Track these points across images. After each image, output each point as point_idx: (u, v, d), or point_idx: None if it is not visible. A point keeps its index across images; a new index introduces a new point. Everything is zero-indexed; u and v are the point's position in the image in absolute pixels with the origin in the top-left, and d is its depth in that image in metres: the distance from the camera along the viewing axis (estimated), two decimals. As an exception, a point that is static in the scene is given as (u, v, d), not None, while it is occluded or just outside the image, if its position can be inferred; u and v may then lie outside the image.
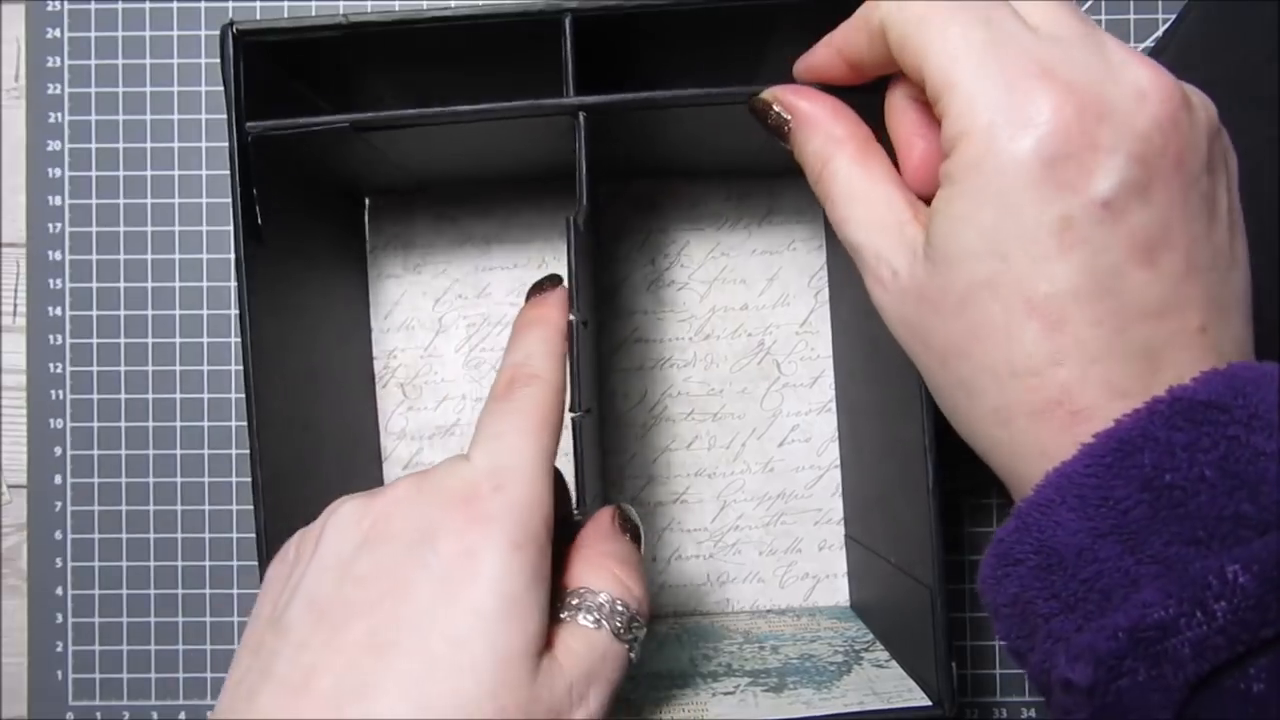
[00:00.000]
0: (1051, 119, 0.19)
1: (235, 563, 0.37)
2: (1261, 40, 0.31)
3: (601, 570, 0.24)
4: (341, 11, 0.37)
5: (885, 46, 0.22)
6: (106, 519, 0.37)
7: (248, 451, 0.27)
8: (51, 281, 0.37)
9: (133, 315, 0.37)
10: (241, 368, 0.27)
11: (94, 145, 0.37)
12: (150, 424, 0.37)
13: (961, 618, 0.37)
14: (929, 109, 0.22)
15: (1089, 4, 0.38)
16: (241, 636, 0.23)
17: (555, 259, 0.39)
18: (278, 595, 0.23)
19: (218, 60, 0.27)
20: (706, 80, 0.30)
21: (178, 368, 0.37)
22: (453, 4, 0.35)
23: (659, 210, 0.39)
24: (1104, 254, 0.19)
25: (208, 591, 0.37)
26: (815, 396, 0.39)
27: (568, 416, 0.27)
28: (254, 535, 0.28)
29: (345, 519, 0.23)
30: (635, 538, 0.26)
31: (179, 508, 0.37)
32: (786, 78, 0.27)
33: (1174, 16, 0.36)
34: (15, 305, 0.38)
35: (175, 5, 0.38)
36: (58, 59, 0.37)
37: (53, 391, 0.37)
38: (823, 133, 0.24)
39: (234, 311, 0.37)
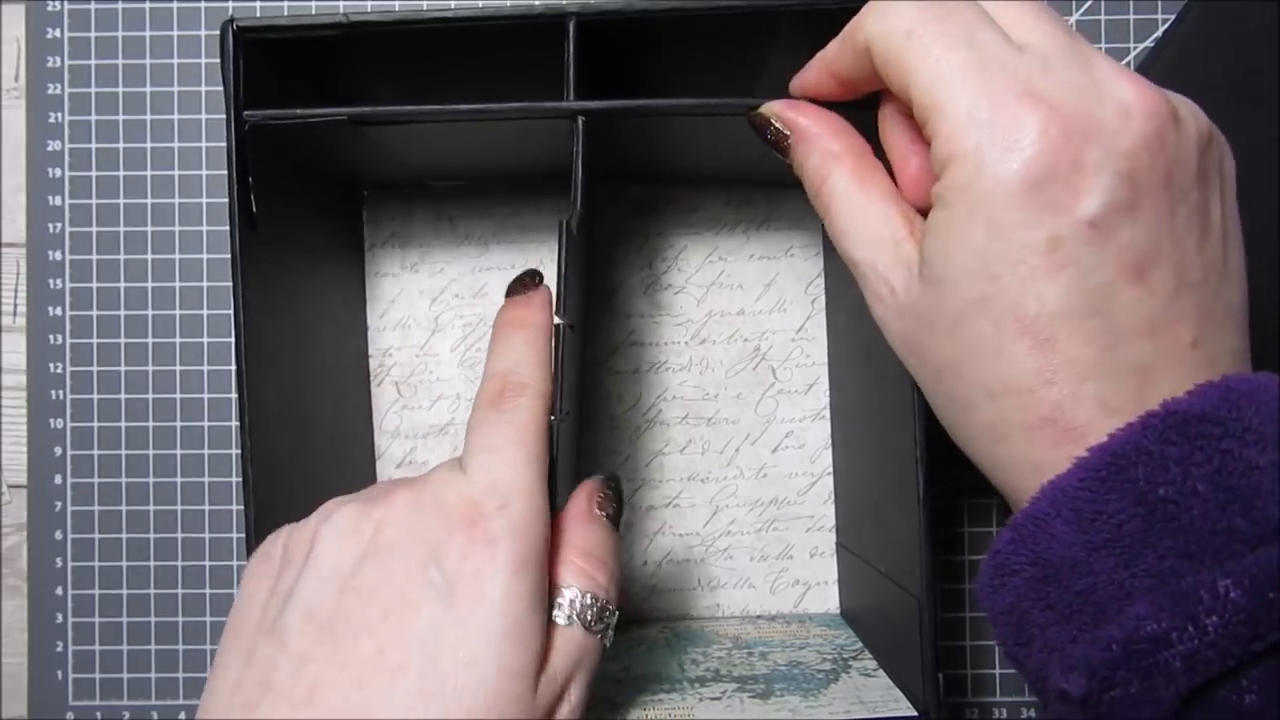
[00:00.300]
0: (1037, 141, 0.19)
1: (235, 563, 0.37)
2: (1261, 40, 0.31)
3: (569, 566, 0.24)
4: (341, 10, 0.38)
5: (871, 64, 0.22)
6: (106, 519, 0.37)
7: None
8: (51, 281, 0.37)
9: (133, 315, 0.38)
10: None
11: (94, 145, 0.37)
12: (150, 424, 0.37)
13: (961, 617, 0.37)
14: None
15: (1089, 4, 0.37)
16: (223, 635, 0.23)
17: (553, 261, 0.38)
18: (266, 599, 0.23)
19: (218, 60, 0.28)
20: (709, 85, 0.29)
21: (178, 368, 0.38)
22: (453, 4, 0.35)
23: (657, 214, 0.39)
24: (1093, 274, 0.19)
25: (208, 591, 0.37)
26: (809, 403, 0.39)
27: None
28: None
29: (343, 525, 0.23)
30: (614, 515, 0.26)
31: (179, 508, 0.37)
32: (789, 84, 0.26)
33: (1174, 16, 0.36)
34: (15, 305, 0.38)
35: (175, 5, 0.38)
36: (58, 59, 0.38)
37: (53, 391, 0.37)
38: (821, 148, 0.24)
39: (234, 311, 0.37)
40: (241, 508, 0.37)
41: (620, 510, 0.27)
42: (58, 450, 0.37)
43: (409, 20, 0.28)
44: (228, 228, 0.27)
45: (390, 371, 0.39)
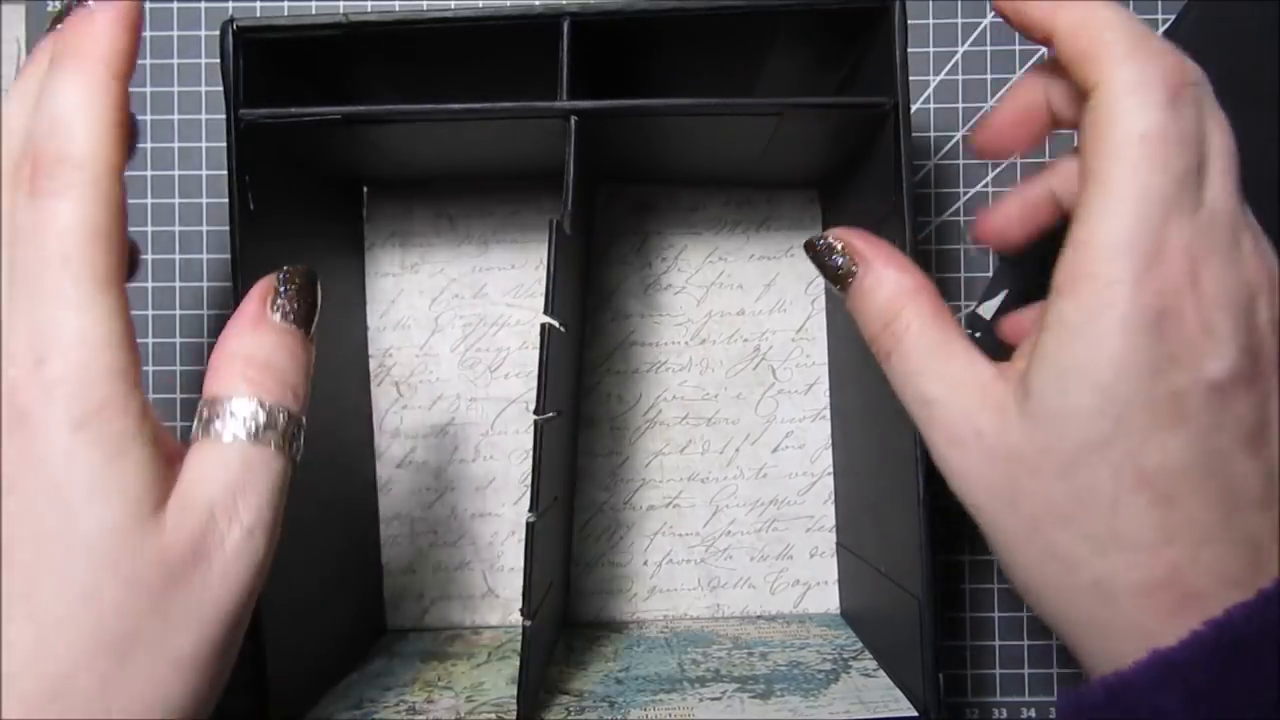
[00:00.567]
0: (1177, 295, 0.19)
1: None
2: (1261, 40, 0.31)
3: (229, 374, 0.21)
4: (341, 11, 0.38)
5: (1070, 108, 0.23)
6: (105, 518, 0.37)
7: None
8: (52, 281, 0.37)
9: (133, 315, 0.37)
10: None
11: (94, 145, 0.38)
12: (149, 423, 0.37)
13: (961, 617, 0.37)
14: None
15: (1092, 9, 0.37)
16: None
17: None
18: None
19: (218, 60, 0.28)
20: (708, 86, 0.29)
21: (178, 368, 0.38)
22: (452, 5, 0.35)
23: (657, 213, 0.39)
24: (1214, 435, 0.19)
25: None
26: (810, 403, 0.39)
27: (532, 417, 0.26)
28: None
29: None
30: (296, 315, 0.23)
31: (177, 506, 0.37)
32: (786, 87, 0.26)
33: (1174, 16, 0.36)
34: (16, 305, 0.38)
35: (175, 5, 0.38)
36: (58, 59, 0.38)
37: (53, 391, 0.37)
38: (893, 282, 0.23)
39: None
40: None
41: (306, 309, 0.23)
42: (57, 450, 0.37)
43: (409, 20, 0.28)
44: (228, 228, 0.27)
45: (390, 371, 0.39)
